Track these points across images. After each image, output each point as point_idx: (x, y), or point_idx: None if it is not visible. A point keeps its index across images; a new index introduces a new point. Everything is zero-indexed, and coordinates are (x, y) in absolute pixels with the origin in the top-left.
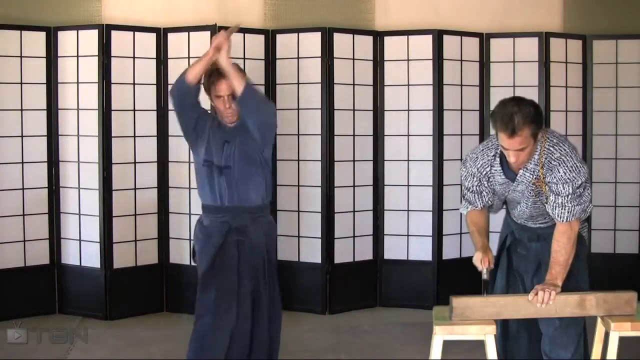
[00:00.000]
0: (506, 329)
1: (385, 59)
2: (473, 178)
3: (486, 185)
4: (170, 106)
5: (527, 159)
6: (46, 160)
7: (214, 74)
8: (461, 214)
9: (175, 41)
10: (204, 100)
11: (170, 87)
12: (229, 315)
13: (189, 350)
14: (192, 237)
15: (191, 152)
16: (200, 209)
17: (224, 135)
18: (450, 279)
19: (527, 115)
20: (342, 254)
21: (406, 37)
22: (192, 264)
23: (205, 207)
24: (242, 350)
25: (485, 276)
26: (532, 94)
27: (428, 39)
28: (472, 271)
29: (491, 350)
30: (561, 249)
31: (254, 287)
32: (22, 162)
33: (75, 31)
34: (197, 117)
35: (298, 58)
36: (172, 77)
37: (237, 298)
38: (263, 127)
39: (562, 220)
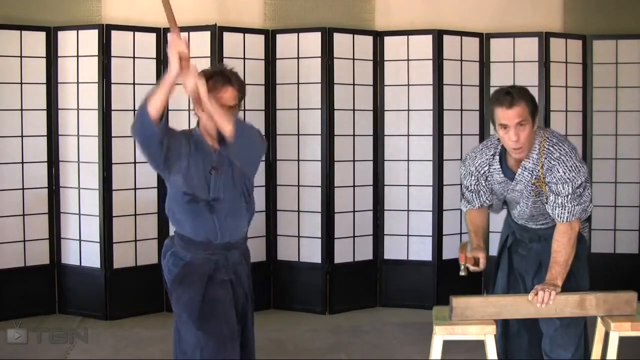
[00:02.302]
0: (506, 329)
1: (385, 59)
2: (471, 177)
3: (484, 184)
4: (170, 106)
5: (528, 146)
6: (46, 160)
7: (215, 76)
8: (461, 213)
9: None
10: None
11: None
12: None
13: None
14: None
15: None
16: None
17: (206, 162)
18: (450, 279)
19: (523, 90)
20: (342, 254)
21: (406, 37)
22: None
23: (186, 240)
24: None
25: (462, 272)
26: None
27: (428, 39)
28: (471, 271)
29: (491, 350)
30: (561, 249)
31: (241, 329)
32: (22, 162)
33: (75, 31)
34: (168, 147)
35: (298, 58)
36: None
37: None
38: (252, 165)
39: (562, 221)
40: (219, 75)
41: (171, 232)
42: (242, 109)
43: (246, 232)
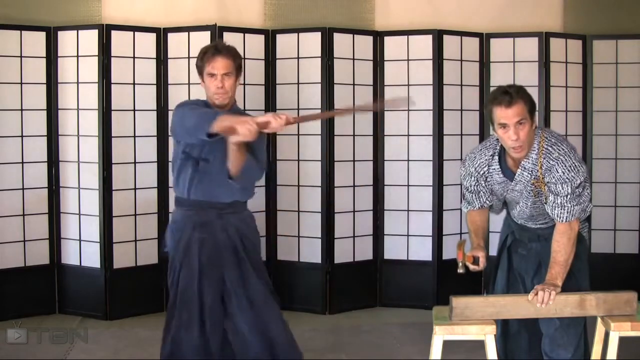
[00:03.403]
0: (506, 329)
1: (385, 59)
2: (471, 178)
3: (484, 185)
4: (171, 106)
5: (528, 145)
6: (46, 160)
7: (209, 49)
8: (461, 212)
9: (175, 41)
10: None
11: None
12: (191, 333)
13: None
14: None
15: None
16: None
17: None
18: (450, 279)
19: (520, 89)
20: (342, 254)
21: (406, 37)
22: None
23: (175, 200)
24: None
25: (460, 270)
26: (532, 94)
27: (428, 39)
28: (472, 271)
29: (491, 350)
30: (561, 249)
31: (222, 289)
32: (22, 162)
33: (75, 31)
34: None
35: (298, 58)
36: (172, 77)
37: (199, 308)
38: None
39: (562, 221)
40: (209, 49)
41: None
42: (242, 83)
43: (240, 202)
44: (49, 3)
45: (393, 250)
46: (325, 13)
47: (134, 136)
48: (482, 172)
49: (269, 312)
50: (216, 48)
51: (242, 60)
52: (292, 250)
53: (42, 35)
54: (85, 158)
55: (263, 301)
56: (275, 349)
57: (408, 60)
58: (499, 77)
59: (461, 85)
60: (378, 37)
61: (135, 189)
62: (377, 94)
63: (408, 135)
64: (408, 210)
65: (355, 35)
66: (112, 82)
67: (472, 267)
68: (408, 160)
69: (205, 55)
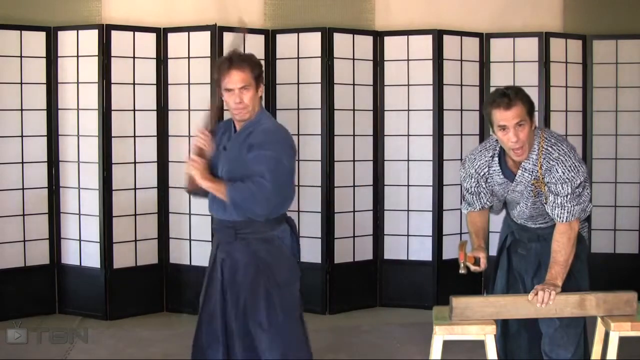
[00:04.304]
0: (506, 329)
1: (385, 59)
2: (471, 179)
3: (484, 186)
4: (171, 106)
5: (528, 147)
6: (46, 160)
7: (224, 62)
8: (461, 212)
9: (175, 41)
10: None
11: (169, 87)
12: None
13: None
14: (191, 237)
15: None
16: (200, 209)
17: (226, 143)
18: (450, 279)
19: (519, 90)
20: (342, 254)
21: (406, 37)
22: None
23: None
24: None
25: (462, 270)
26: (532, 94)
27: (428, 39)
28: (472, 271)
29: (491, 350)
30: (561, 249)
31: (245, 311)
32: (22, 162)
33: (75, 31)
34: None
35: (298, 58)
36: (172, 77)
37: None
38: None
39: (562, 221)
40: (223, 62)
41: (171, 233)
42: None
43: (257, 220)
44: (49, 3)
45: (393, 250)
46: (325, 13)
47: (134, 136)
48: (482, 174)
49: (276, 343)
50: (230, 60)
51: (262, 68)
52: None
53: (42, 35)
54: (85, 158)
55: (271, 334)
56: None
57: (408, 60)
58: (499, 77)
59: (461, 85)
60: (378, 37)
61: (135, 189)
62: (377, 93)
63: (408, 135)
64: (408, 210)
65: (355, 35)
66: (112, 82)
67: (473, 267)
68: (408, 160)
69: (220, 69)
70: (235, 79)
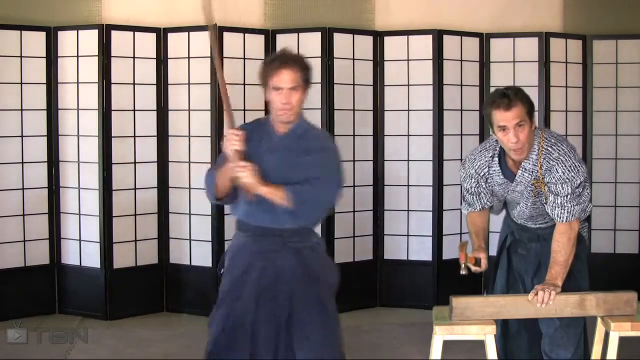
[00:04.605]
0: (506, 329)
1: (385, 59)
2: (471, 179)
3: (484, 186)
4: (171, 106)
5: (528, 147)
6: (46, 160)
7: (276, 60)
8: (461, 213)
9: (175, 41)
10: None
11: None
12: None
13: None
14: (191, 237)
15: None
16: (200, 209)
17: (267, 147)
18: (450, 279)
19: (519, 91)
20: (342, 254)
21: (406, 37)
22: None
23: (235, 223)
24: None
25: (463, 271)
26: (532, 94)
27: (428, 39)
28: (472, 272)
29: (491, 350)
30: (561, 249)
31: (279, 322)
32: (22, 162)
33: (75, 31)
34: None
35: None
36: (172, 77)
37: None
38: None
39: (562, 221)
40: (275, 60)
41: (171, 233)
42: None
43: (305, 228)
44: (49, 3)
45: (393, 250)
46: (325, 13)
47: (134, 136)
48: (482, 174)
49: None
50: (283, 59)
51: (311, 72)
52: None
53: (42, 35)
54: (85, 158)
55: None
56: None
57: (408, 60)
58: (499, 77)
59: (461, 85)
60: (378, 37)
61: (135, 189)
62: (377, 93)
63: (408, 135)
64: (408, 210)
65: (355, 35)
66: (112, 82)
67: (474, 268)
68: (408, 160)
69: (270, 66)
70: (285, 78)
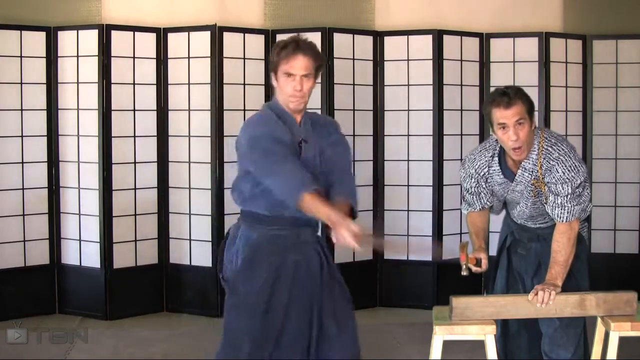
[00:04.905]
0: (506, 329)
1: (385, 59)
2: (471, 179)
3: (484, 186)
4: (171, 106)
5: (528, 147)
6: (46, 160)
7: (289, 44)
8: (461, 213)
9: (175, 41)
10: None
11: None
12: None
13: None
14: (191, 237)
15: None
16: (200, 209)
17: (294, 136)
18: (450, 279)
19: (518, 90)
20: (342, 254)
21: (406, 37)
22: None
23: (252, 217)
24: None
25: (464, 272)
26: (532, 94)
27: (428, 39)
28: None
29: (491, 350)
30: (561, 249)
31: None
32: (22, 162)
33: (75, 31)
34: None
35: None
36: (172, 77)
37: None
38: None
39: (562, 221)
40: (291, 44)
41: (171, 233)
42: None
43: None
44: (49, 3)
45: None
46: (325, 13)
47: (134, 136)
48: (482, 174)
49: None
50: (297, 44)
51: (324, 62)
52: None
53: (42, 35)
54: (85, 158)
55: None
56: None
57: (408, 60)
58: (499, 77)
59: (461, 85)
60: (378, 37)
61: (135, 189)
62: (377, 93)
63: (408, 135)
64: (408, 210)
65: (355, 35)
66: (112, 82)
67: (474, 269)
68: (408, 160)
69: (283, 51)
70: (299, 64)
